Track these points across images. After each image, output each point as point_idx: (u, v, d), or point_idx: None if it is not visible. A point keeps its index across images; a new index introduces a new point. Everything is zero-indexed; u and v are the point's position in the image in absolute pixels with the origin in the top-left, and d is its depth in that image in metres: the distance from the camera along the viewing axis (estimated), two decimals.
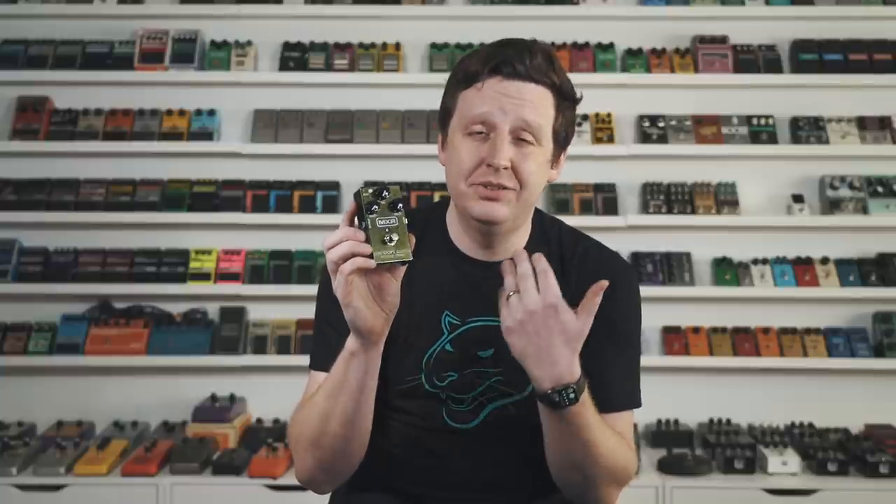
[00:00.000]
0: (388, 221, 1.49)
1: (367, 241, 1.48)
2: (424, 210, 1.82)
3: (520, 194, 1.64)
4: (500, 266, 1.58)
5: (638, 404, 1.74)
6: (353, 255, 1.47)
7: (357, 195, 1.51)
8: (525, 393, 1.67)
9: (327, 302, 1.63)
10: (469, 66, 1.66)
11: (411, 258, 1.49)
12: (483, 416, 1.69)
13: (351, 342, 1.54)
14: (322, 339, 1.72)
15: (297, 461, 1.67)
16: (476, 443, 1.69)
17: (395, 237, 1.48)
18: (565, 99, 1.67)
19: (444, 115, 1.71)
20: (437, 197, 3.62)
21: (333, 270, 1.49)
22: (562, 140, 1.69)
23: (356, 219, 1.52)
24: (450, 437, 1.69)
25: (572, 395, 1.52)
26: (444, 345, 1.69)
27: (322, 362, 1.68)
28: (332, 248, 1.48)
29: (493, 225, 1.66)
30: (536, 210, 1.77)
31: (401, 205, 1.50)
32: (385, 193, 1.50)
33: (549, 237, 1.76)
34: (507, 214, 1.64)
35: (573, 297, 1.68)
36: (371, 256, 1.47)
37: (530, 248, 1.72)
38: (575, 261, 1.73)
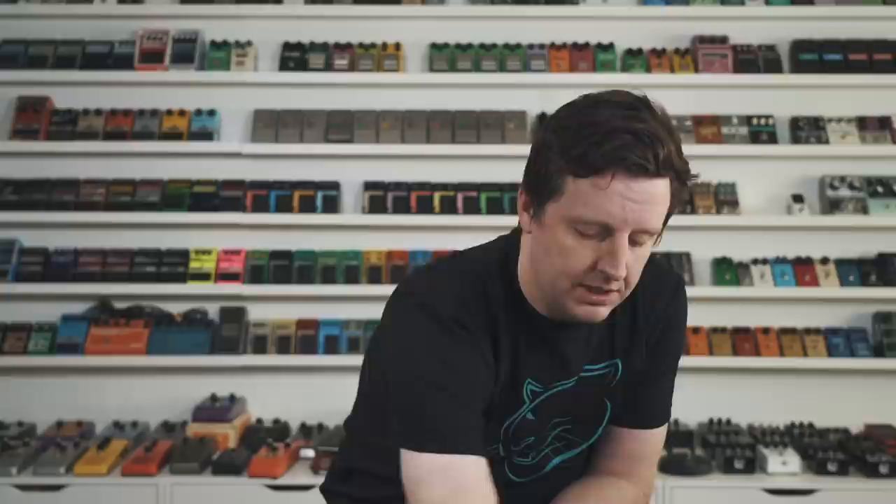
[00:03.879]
0: None
1: None
2: (490, 264, 1.55)
3: (623, 293, 1.49)
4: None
5: (669, 416, 1.71)
6: None
7: None
8: (590, 441, 1.65)
9: (439, 362, 1.46)
10: (589, 153, 1.39)
11: None
12: (547, 470, 1.64)
13: None
14: (447, 415, 1.47)
15: None
16: (534, 489, 1.65)
17: None
18: (683, 183, 1.49)
19: (544, 184, 1.44)
20: (437, 197, 3.61)
21: None
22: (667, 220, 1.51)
23: None
24: (509, 489, 1.60)
25: None
26: (525, 413, 1.58)
27: (462, 445, 1.46)
28: None
29: None
30: None
31: None
32: None
33: None
34: (607, 313, 1.51)
35: (648, 336, 1.62)
36: None
37: None
38: (639, 293, 1.58)
